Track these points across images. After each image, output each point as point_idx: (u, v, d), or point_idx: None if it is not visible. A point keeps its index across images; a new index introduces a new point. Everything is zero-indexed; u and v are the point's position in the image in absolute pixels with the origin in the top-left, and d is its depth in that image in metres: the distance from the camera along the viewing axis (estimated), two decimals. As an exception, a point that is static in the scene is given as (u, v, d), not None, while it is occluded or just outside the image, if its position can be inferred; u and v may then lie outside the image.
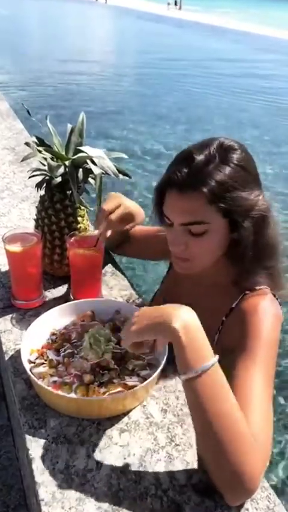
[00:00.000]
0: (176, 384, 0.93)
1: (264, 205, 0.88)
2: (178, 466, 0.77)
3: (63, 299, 1.15)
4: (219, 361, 0.98)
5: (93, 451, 0.78)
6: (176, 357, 0.72)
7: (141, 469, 0.76)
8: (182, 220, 0.88)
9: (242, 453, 0.67)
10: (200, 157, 0.85)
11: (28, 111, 1.13)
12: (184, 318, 0.72)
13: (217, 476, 0.69)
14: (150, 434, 0.82)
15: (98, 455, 0.78)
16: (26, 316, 1.09)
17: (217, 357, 0.71)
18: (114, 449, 0.79)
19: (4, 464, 1.15)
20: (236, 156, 0.86)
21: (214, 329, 0.97)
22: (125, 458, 0.77)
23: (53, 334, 0.98)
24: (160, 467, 0.76)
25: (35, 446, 0.78)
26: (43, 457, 0.77)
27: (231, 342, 0.87)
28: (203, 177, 0.83)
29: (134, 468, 0.76)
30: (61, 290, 1.20)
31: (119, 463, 0.77)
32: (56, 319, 1.00)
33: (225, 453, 0.66)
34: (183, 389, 0.72)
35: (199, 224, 0.86)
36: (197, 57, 12.29)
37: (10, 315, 1.10)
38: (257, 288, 0.92)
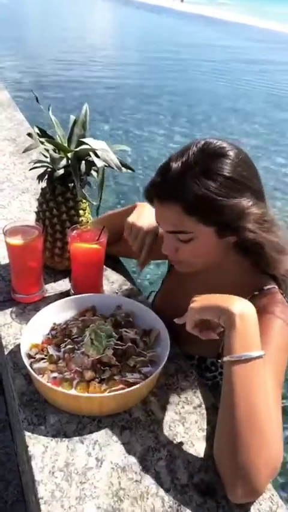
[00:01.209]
0: (178, 381, 0.92)
1: (254, 213, 0.82)
2: (179, 465, 0.76)
3: (64, 293, 1.14)
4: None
5: (94, 448, 0.77)
6: (225, 339, 0.73)
7: (142, 467, 0.75)
8: (167, 228, 0.87)
9: (256, 448, 0.66)
10: (175, 166, 0.81)
11: (37, 98, 1.11)
12: (243, 307, 0.73)
13: (227, 466, 0.68)
14: (151, 432, 0.81)
15: (98, 453, 0.76)
16: (26, 310, 1.08)
17: (263, 352, 0.71)
18: (114, 447, 0.78)
19: (2, 459, 1.14)
20: (220, 165, 0.80)
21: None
22: (125, 457, 0.76)
23: (54, 329, 0.96)
24: (161, 466, 0.75)
25: (35, 443, 0.77)
26: (42, 455, 0.75)
27: None
28: (178, 189, 0.80)
29: (134, 467, 0.75)
30: (62, 284, 1.18)
31: (119, 461, 0.75)
32: (56, 314, 0.99)
33: (243, 444, 0.66)
34: (223, 372, 0.72)
35: (183, 233, 0.85)
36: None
37: (10, 309, 1.08)
38: (265, 288, 0.90)
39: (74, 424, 0.81)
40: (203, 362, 0.98)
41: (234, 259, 0.92)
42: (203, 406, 0.87)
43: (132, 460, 0.76)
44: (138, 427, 0.81)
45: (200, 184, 0.79)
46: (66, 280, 1.19)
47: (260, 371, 0.70)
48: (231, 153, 0.82)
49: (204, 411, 0.86)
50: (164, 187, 0.82)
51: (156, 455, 0.77)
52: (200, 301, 0.77)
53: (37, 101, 1.10)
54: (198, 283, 1.03)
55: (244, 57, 11.28)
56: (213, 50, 11.99)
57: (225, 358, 0.71)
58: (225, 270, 0.95)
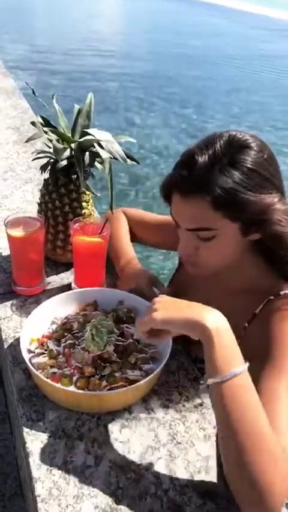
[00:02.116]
0: (179, 379, 0.90)
1: (280, 209, 0.78)
2: (179, 465, 0.74)
3: (65, 286, 1.12)
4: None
5: (93, 446, 0.76)
6: (206, 358, 0.68)
7: (141, 467, 0.74)
8: (187, 226, 0.82)
9: (265, 466, 0.61)
10: (202, 159, 0.76)
11: (33, 91, 1.08)
12: (216, 320, 0.69)
13: (236, 488, 0.64)
14: (151, 431, 0.79)
15: (97, 451, 0.75)
16: (26, 303, 1.06)
17: (247, 364, 0.68)
18: (114, 445, 0.76)
19: (0, 452, 1.14)
20: (248, 158, 0.76)
21: (235, 335, 0.92)
22: (124, 455, 0.75)
23: (54, 323, 0.95)
24: (161, 466, 0.74)
25: (33, 439, 0.76)
26: (40, 451, 0.74)
27: (254, 350, 0.80)
28: (206, 182, 0.75)
29: (134, 466, 0.74)
30: (63, 277, 1.16)
31: (118, 459, 0.74)
32: (57, 308, 0.97)
33: (248, 463, 0.62)
34: (211, 391, 0.68)
35: (205, 230, 0.80)
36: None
37: (10, 301, 1.07)
38: (282, 293, 0.84)
39: (73, 420, 0.80)
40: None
41: (250, 261, 0.88)
42: (205, 404, 0.85)
43: (131, 458, 0.75)
44: (138, 425, 0.80)
45: (229, 176, 0.75)
46: (68, 273, 1.18)
47: (248, 384, 0.67)
48: (255, 146, 0.78)
49: (205, 410, 0.84)
50: (191, 180, 0.77)
51: (156, 454, 0.76)
52: (163, 310, 0.71)
53: (34, 93, 1.08)
54: (209, 286, 0.99)
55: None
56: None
57: (210, 380, 0.66)
58: (239, 272, 0.90)
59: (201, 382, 0.67)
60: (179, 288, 1.11)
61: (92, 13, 14.65)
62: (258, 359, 0.78)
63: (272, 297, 0.85)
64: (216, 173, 0.75)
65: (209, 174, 0.75)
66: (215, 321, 0.68)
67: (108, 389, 0.80)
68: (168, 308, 0.72)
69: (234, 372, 0.65)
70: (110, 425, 0.80)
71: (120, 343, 0.88)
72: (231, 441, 0.64)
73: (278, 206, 0.78)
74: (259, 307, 0.87)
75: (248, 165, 0.76)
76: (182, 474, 0.73)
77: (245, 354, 0.90)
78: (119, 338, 0.89)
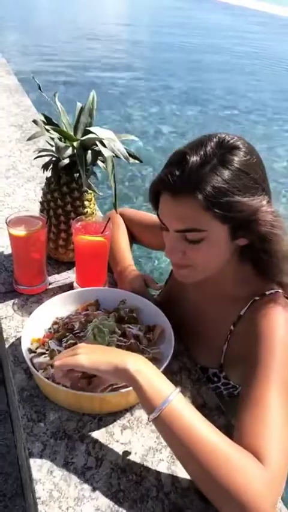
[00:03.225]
0: (181, 379, 0.89)
1: (268, 211, 0.78)
2: (181, 467, 0.73)
3: (67, 286, 1.12)
4: (226, 376, 0.93)
5: (94, 447, 0.75)
6: (139, 400, 0.69)
7: (142, 469, 0.73)
8: (175, 227, 0.81)
9: (233, 479, 0.60)
10: (194, 159, 0.76)
11: (39, 86, 1.07)
12: (135, 362, 0.71)
13: (219, 508, 0.63)
14: (153, 432, 0.79)
15: (98, 453, 0.75)
16: (28, 302, 1.06)
17: (178, 388, 0.69)
18: (115, 447, 0.76)
19: (1, 451, 1.13)
20: (237, 158, 0.76)
21: (221, 339, 0.92)
22: (126, 457, 0.74)
23: (56, 323, 0.94)
24: (162, 468, 0.73)
25: (34, 440, 0.75)
26: (41, 453, 0.74)
27: (241, 352, 0.81)
28: (198, 181, 0.75)
29: (135, 468, 0.73)
30: (65, 276, 1.16)
31: (119, 461, 0.74)
32: (59, 307, 0.97)
33: (215, 480, 0.61)
34: (156, 428, 0.69)
35: (194, 231, 0.79)
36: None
37: (12, 300, 1.06)
38: (267, 292, 0.84)
39: (74, 421, 0.79)
40: (205, 373, 0.95)
41: (235, 267, 0.87)
42: (207, 406, 0.85)
43: (133, 460, 0.74)
44: (140, 427, 0.80)
45: (219, 175, 0.75)
46: (70, 272, 1.17)
47: (183, 404, 0.67)
48: (244, 148, 0.79)
49: (207, 411, 0.83)
50: (182, 179, 0.76)
51: (158, 456, 0.75)
52: (89, 354, 0.73)
53: (39, 88, 1.07)
54: (198, 292, 1.00)
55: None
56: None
57: (151, 417, 0.66)
58: (225, 278, 0.90)
59: (148, 420, 0.68)
60: (172, 291, 1.11)
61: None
62: (245, 362, 0.78)
63: (257, 298, 0.85)
64: (207, 172, 0.75)
65: (200, 173, 0.75)
66: (135, 363, 0.70)
67: (110, 390, 0.79)
68: (93, 352, 0.74)
69: (167, 400, 0.66)
70: (111, 427, 0.79)
71: (122, 343, 0.87)
72: (191, 464, 0.65)
73: (266, 209, 0.78)
74: (244, 308, 0.87)
75: (237, 165, 0.76)
76: (183, 477, 0.72)
77: (233, 357, 0.90)
78: (121, 338, 0.88)
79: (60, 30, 10.07)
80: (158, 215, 0.87)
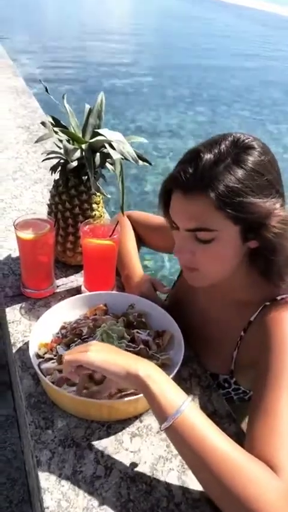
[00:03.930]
0: (191, 386, 0.88)
1: (281, 215, 0.76)
2: (192, 477, 0.71)
3: (75, 289, 1.10)
4: (237, 382, 0.91)
5: (102, 456, 0.74)
6: (151, 408, 0.67)
7: (152, 478, 0.71)
8: (186, 226, 0.79)
9: (246, 489, 0.58)
10: (207, 156, 0.74)
11: (46, 88, 1.06)
12: (146, 368, 0.69)
13: None
14: (163, 441, 0.77)
15: (107, 461, 0.73)
16: (35, 306, 1.05)
17: (190, 396, 0.67)
18: (124, 455, 0.74)
19: (8, 457, 1.12)
20: (252, 158, 0.75)
21: (232, 345, 0.90)
22: (134, 468, 0.73)
23: (64, 327, 0.93)
24: (173, 478, 0.72)
25: (41, 448, 0.74)
26: (49, 461, 0.72)
27: (252, 359, 0.80)
28: (210, 179, 0.73)
29: (145, 477, 0.71)
30: (73, 280, 1.15)
31: (129, 470, 0.72)
32: (67, 312, 0.95)
33: (228, 491, 0.59)
34: (167, 436, 0.67)
35: (205, 231, 0.77)
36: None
37: (19, 304, 1.05)
38: (278, 298, 0.83)
39: (83, 429, 0.78)
40: (216, 379, 0.94)
41: (245, 270, 0.85)
42: (218, 413, 0.83)
43: (142, 469, 0.72)
44: (149, 435, 0.78)
45: (233, 174, 0.73)
46: (78, 275, 1.16)
47: (195, 413, 0.65)
48: (259, 148, 0.77)
49: (218, 418, 0.82)
50: (195, 176, 0.75)
51: (168, 465, 0.73)
52: (99, 352, 0.71)
53: (46, 91, 1.06)
54: (207, 296, 0.99)
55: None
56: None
57: (163, 427, 0.64)
58: (236, 281, 0.88)
59: (160, 429, 0.66)
60: (179, 294, 1.09)
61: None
62: (257, 368, 0.76)
63: (267, 303, 0.84)
64: (220, 170, 0.74)
65: (214, 171, 0.74)
66: (146, 369, 0.68)
67: (119, 398, 0.78)
68: (105, 352, 0.72)
69: (180, 411, 0.64)
70: (120, 434, 0.78)
71: (131, 349, 0.86)
72: (204, 474, 0.63)
73: (278, 212, 0.76)
74: (254, 314, 0.85)
75: (252, 165, 0.75)
76: (194, 487, 0.70)
77: (244, 363, 0.89)
78: (130, 344, 0.87)
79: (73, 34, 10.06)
80: (164, 215, 0.86)
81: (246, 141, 0.77)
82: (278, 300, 0.83)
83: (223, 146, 0.75)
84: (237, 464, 0.60)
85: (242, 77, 7.92)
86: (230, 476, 0.60)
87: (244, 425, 0.95)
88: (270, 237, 0.77)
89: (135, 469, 0.72)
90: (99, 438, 0.77)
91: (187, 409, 0.64)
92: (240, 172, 0.74)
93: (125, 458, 0.74)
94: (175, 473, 0.72)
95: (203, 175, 0.74)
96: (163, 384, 0.67)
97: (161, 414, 0.65)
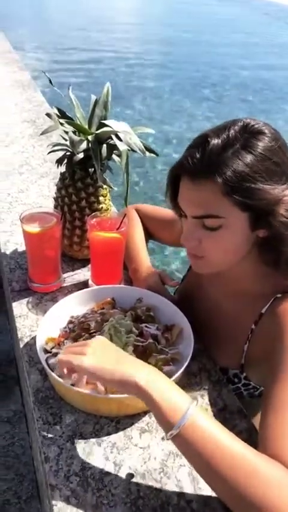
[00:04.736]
0: (201, 381, 0.86)
1: None
2: (203, 473, 0.70)
3: (82, 283, 1.09)
4: (247, 377, 0.90)
5: (111, 452, 0.73)
6: (154, 415, 0.64)
7: (162, 474, 0.70)
8: (194, 213, 0.77)
9: (262, 491, 0.56)
10: (215, 141, 0.73)
11: (50, 80, 1.04)
12: (143, 374, 0.65)
13: None
14: (172, 436, 0.76)
15: (116, 457, 0.72)
16: (42, 300, 1.04)
17: (195, 402, 0.63)
18: (133, 451, 0.73)
19: (17, 452, 1.11)
20: (262, 143, 0.73)
21: (243, 338, 0.88)
22: (145, 462, 0.72)
23: (71, 322, 0.92)
24: (183, 474, 0.70)
25: (50, 444, 0.73)
26: (58, 457, 0.71)
27: (263, 352, 0.78)
28: (218, 164, 0.72)
29: (155, 474, 0.70)
30: (80, 274, 1.13)
31: (138, 466, 0.71)
32: (74, 306, 0.94)
33: (243, 494, 0.57)
34: (175, 444, 0.63)
35: (213, 218, 0.75)
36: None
37: (26, 299, 1.04)
38: None
39: (91, 424, 0.77)
40: (225, 374, 0.92)
41: (255, 261, 0.83)
42: (228, 409, 0.82)
43: (152, 465, 0.71)
44: (159, 430, 0.77)
45: (241, 159, 0.72)
46: (85, 269, 1.15)
47: (203, 417, 0.61)
48: (269, 133, 0.75)
49: (228, 415, 0.80)
50: (202, 162, 0.73)
51: (178, 461, 0.72)
52: (93, 357, 0.68)
53: (50, 82, 1.04)
54: (217, 288, 0.97)
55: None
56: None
57: (169, 435, 0.61)
58: (245, 273, 0.86)
59: (167, 437, 0.62)
60: (189, 287, 1.08)
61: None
62: (268, 362, 0.74)
63: (279, 295, 0.82)
64: (229, 155, 0.72)
65: (221, 156, 0.72)
66: (144, 377, 0.64)
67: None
68: (100, 356, 0.68)
69: (185, 417, 0.60)
70: (129, 430, 0.77)
71: (140, 343, 0.84)
72: (214, 481, 0.60)
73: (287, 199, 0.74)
74: (265, 306, 0.83)
75: (261, 151, 0.73)
76: (206, 484, 0.69)
77: (255, 358, 0.87)
78: (138, 338, 0.85)
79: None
80: (172, 203, 0.84)
81: (256, 126, 0.75)
82: None
83: (232, 131, 0.74)
84: (254, 467, 0.58)
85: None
86: (247, 482, 0.57)
87: (254, 421, 0.94)
88: (278, 225, 0.75)
89: (144, 466, 0.71)
90: (108, 434, 0.75)
91: (194, 413, 0.61)
92: (249, 158, 0.72)
93: (135, 454, 0.73)
94: (186, 469, 0.71)
95: (210, 161, 0.73)
96: (165, 391, 0.63)
97: (166, 422, 0.61)
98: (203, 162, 0.73)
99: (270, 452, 0.61)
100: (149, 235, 1.20)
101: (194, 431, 0.60)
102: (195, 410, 0.62)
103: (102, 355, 0.69)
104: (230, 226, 0.76)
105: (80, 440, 0.74)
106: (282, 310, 0.79)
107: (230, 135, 0.74)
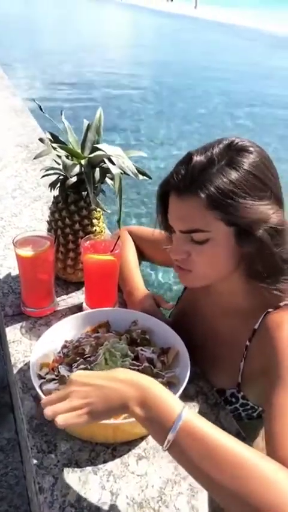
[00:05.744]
0: (199, 405, 0.85)
1: (276, 218, 0.75)
2: (202, 500, 0.69)
3: (76, 307, 1.08)
4: (245, 396, 0.89)
5: (108, 480, 0.71)
6: (148, 430, 0.62)
7: (161, 503, 0.68)
8: (181, 227, 0.80)
9: (271, 495, 0.54)
10: (198, 159, 0.76)
11: (40, 107, 1.06)
12: (133, 399, 0.62)
13: None
14: (170, 463, 0.74)
15: (113, 486, 0.70)
16: (36, 325, 1.02)
17: (186, 408, 0.60)
18: (130, 479, 0.71)
19: (10, 482, 1.08)
20: (247, 160, 0.76)
21: (238, 356, 0.88)
22: (142, 490, 0.70)
23: (65, 346, 0.90)
24: (182, 502, 0.68)
25: (44, 474, 0.71)
26: (52, 487, 0.69)
27: (259, 367, 0.78)
28: (202, 180, 0.75)
29: (152, 502, 0.68)
30: (74, 297, 1.12)
31: (136, 495, 0.69)
32: (68, 330, 0.93)
33: (250, 500, 0.54)
34: (173, 454, 0.60)
35: (199, 232, 0.78)
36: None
37: (20, 324, 1.02)
38: (282, 304, 0.81)
39: (87, 452, 0.75)
40: (222, 394, 0.91)
41: (245, 276, 0.83)
42: (226, 431, 0.80)
43: (150, 494, 0.69)
44: (156, 456, 0.75)
45: (224, 175, 0.74)
46: (79, 292, 1.14)
47: (198, 421, 0.59)
48: (254, 151, 0.78)
49: (227, 438, 0.79)
50: (186, 178, 0.76)
51: (176, 489, 0.70)
52: (96, 413, 0.62)
53: (41, 109, 1.06)
54: (210, 308, 0.97)
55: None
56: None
57: (165, 448, 0.59)
58: (235, 288, 0.87)
59: (163, 449, 0.60)
60: (184, 309, 1.08)
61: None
62: (266, 375, 0.74)
63: (270, 310, 0.82)
64: (213, 172, 0.75)
65: (205, 173, 0.75)
66: (135, 395, 0.62)
67: (124, 418, 0.75)
68: (102, 403, 0.63)
69: (178, 425, 0.58)
70: (126, 457, 0.75)
71: (135, 367, 0.83)
72: (220, 485, 0.56)
73: (272, 216, 0.76)
74: (258, 322, 0.84)
75: (246, 167, 0.75)
76: (205, 511, 0.67)
77: (251, 374, 0.86)
78: (134, 362, 0.84)
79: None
80: (161, 218, 0.87)
81: (241, 143, 0.78)
82: (281, 306, 0.81)
83: (216, 149, 0.77)
84: (256, 467, 0.56)
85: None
86: (251, 489, 0.55)
87: (253, 444, 0.92)
88: (263, 240, 0.76)
89: (142, 495, 0.69)
90: (105, 461, 0.74)
91: (188, 415, 0.59)
92: (233, 174, 0.74)
93: (132, 482, 0.71)
94: (184, 497, 0.69)
95: (193, 177, 0.76)
96: (155, 403, 0.61)
97: (159, 435, 0.59)
98: (187, 178, 0.76)
99: (277, 455, 0.61)
100: (141, 257, 1.20)
101: (191, 433, 0.58)
102: (189, 412, 0.60)
103: (103, 401, 0.63)
104: (217, 240, 0.78)
105: (75, 469, 0.72)
106: (275, 324, 0.79)
107: (215, 152, 0.76)
